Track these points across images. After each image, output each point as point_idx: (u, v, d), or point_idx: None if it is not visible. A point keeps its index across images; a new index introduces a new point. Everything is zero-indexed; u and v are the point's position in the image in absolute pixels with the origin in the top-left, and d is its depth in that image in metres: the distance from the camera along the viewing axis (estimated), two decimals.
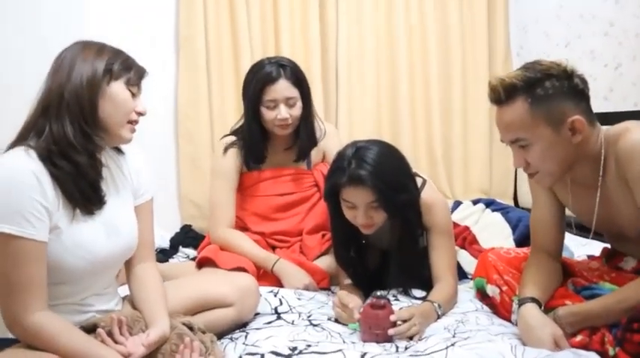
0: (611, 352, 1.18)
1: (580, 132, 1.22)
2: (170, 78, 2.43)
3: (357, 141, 1.55)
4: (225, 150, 1.92)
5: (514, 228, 2.04)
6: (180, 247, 2.31)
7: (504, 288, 1.47)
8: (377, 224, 1.52)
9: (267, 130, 1.91)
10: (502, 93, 1.22)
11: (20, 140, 1.15)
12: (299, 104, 1.87)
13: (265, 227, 1.96)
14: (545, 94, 1.20)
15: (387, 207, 1.47)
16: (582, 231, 1.90)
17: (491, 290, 1.50)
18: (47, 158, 1.11)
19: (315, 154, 2.04)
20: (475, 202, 2.22)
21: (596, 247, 1.63)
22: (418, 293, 1.61)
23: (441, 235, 1.60)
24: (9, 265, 1.06)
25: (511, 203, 2.82)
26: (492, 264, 1.52)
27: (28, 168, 1.08)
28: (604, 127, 1.30)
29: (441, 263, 1.58)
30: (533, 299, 1.30)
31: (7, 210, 1.05)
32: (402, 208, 1.51)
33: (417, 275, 1.64)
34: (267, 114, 1.85)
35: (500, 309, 1.47)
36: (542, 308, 1.30)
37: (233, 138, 1.96)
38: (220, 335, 1.38)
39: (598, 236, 1.47)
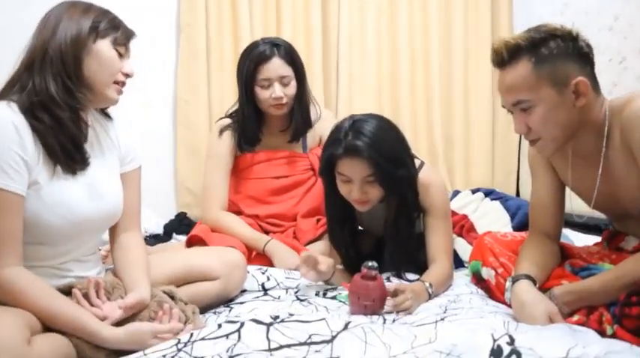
0: (609, 331, 1.13)
1: (584, 96, 1.18)
2: (170, 64, 2.43)
3: (355, 114, 1.52)
4: (220, 132, 1.91)
5: (513, 216, 2.00)
6: (174, 234, 2.28)
7: (500, 271, 1.42)
8: (372, 201, 1.48)
9: (262, 111, 1.90)
10: (505, 54, 1.19)
11: (3, 95, 1.13)
12: (293, 83, 1.86)
13: (259, 210, 1.93)
14: (549, 54, 1.17)
15: (383, 181, 1.43)
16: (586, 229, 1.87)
17: (487, 272, 1.46)
18: (28, 110, 1.10)
19: (311, 138, 2.01)
20: (474, 191, 2.18)
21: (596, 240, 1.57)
22: (412, 276, 1.57)
23: (437, 217, 1.56)
24: None
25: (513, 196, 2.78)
26: (488, 247, 1.48)
27: (7, 119, 1.07)
28: (608, 98, 1.26)
29: (436, 244, 1.54)
30: (528, 276, 1.25)
31: None
32: (399, 184, 1.47)
33: (413, 260, 1.60)
34: (262, 94, 1.83)
35: (495, 292, 1.43)
36: (537, 286, 1.25)
37: (228, 120, 1.94)
38: (205, 309, 1.36)
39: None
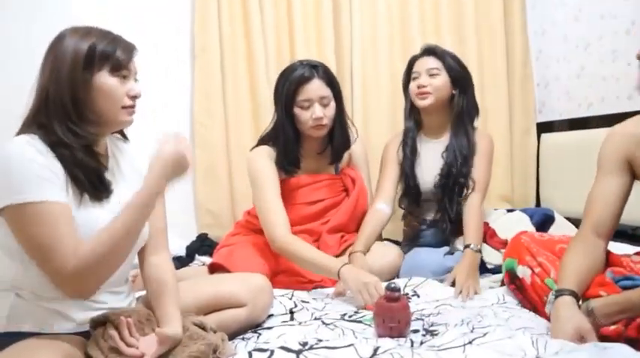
0: None
1: None
2: (186, 87, 2.46)
3: None
4: (263, 157, 1.87)
5: (531, 217, 2.03)
6: (197, 255, 2.30)
7: (537, 270, 1.42)
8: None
9: (301, 133, 1.89)
10: None
11: (22, 132, 1.15)
12: (332, 104, 1.86)
13: (294, 229, 1.88)
14: None
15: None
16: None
17: (522, 271, 1.46)
18: (50, 146, 1.11)
19: (343, 158, 2.02)
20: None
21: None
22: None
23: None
24: (43, 230, 1.06)
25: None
26: (525, 246, 1.48)
27: (35, 148, 1.09)
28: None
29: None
30: (572, 293, 1.23)
31: (23, 180, 1.06)
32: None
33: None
34: (302, 115, 1.83)
35: (529, 291, 1.43)
36: (580, 299, 1.24)
37: (265, 146, 1.91)
38: (233, 336, 1.36)
39: None
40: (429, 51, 2.02)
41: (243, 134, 2.44)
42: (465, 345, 1.14)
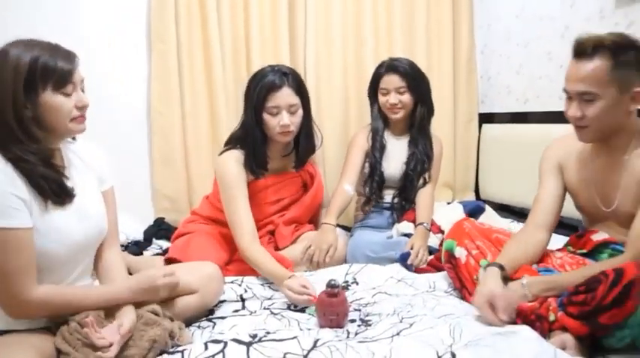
0: (551, 317, 1.32)
1: (638, 103, 1.37)
2: (143, 78, 2.49)
3: None
4: (233, 163, 1.92)
5: (464, 206, 2.33)
6: (154, 239, 2.40)
7: (474, 252, 1.61)
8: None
9: (267, 137, 1.96)
10: (589, 48, 1.34)
11: None
12: (300, 112, 1.94)
13: (260, 225, 2.01)
14: (627, 62, 1.33)
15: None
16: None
17: (459, 251, 1.64)
18: (11, 161, 1.18)
19: None
20: None
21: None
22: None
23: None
24: (4, 254, 1.14)
25: (473, 195, 2.96)
26: (466, 231, 1.67)
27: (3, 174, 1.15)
28: None
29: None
30: (500, 266, 1.44)
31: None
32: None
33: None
34: (270, 121, 1.89)
35: (461, 269, 1.62)
36: (506, 274, 1.44)
37: (236, 150, 1.95)
38: (188, 322, 1.48)
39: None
40: (394, 69, 2.22)
41: (200, 121, 2.51)
42: (392, 337, 1.31)
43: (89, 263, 1.40)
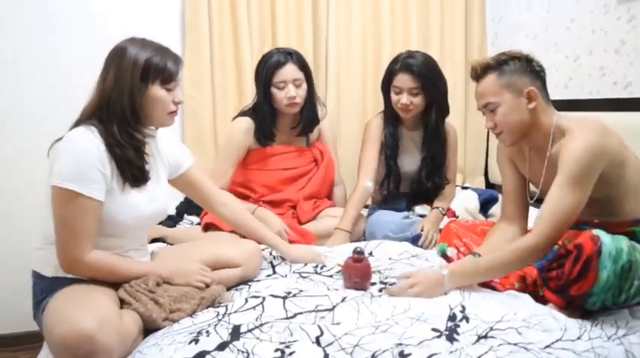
0: (541, 292, 1.51)
1: (534, 101, 1.56)
2: None
3: None
4: (241, 130, 2.20)
5: (480, 195, 2.43)
6: (185, 215, 2.59)
7: (462, 249, 1.79)
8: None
9: (276, 110, 2.21)
10: (479, 70, 1.61)
11: (81, 122, 1.42)
12: (304, 85, 2.19)
13: (274, 196, 2.27)
14: (510, 70, 1.57)
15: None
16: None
17: (451, 251, 1.82)
18: (106, 143, 1.38)
19: (312, 133, 2.35)
20: None
21: None
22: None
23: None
24: (73, 216, 1.34)
25: (482, 179, 3.13)
26: (454, 232, 1.86)
27: (93, 143, 1.36)
28: (562, 113, 1.63)
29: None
30: (477, 254, 1.61)
31: (76, 173, 1.33)
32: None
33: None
34: (278, 94, 2.16)
35: None
36: None
37: (247, 118, 2.22)
38: (228, 289, 1.63)
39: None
40: (409, 68, 2.18)
41: (228, 106, 2.69)
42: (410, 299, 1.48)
43: (146, 236, 1.64)
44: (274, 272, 1.78)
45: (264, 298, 1.48)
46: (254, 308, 1.42)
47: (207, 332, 1.28)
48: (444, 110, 2.30)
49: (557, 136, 1.57)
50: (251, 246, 1.75)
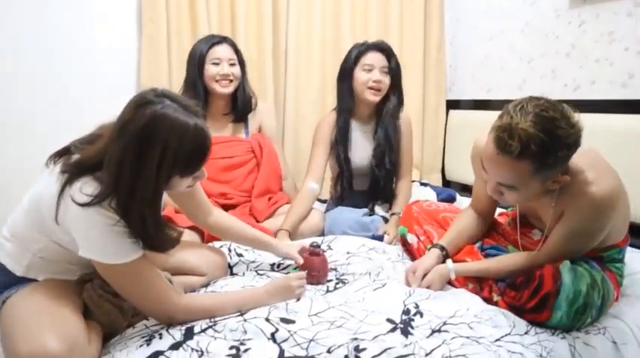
0: (495, 298, 1.51)
1: (558, 184, 1.35)
2: (133, 56, 2.59)
3: None
4: None
5: (438, 194, 2.48)
6: None
7: (422, 238, 1.78)
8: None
9: (209, 94, 2.23)
10: (516, 149, 1.23)
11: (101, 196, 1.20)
12: (237, 67, 2.24)
13: (211, 187, 2.19)
14: (553, 163, 1.27)
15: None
16: None
17: (411, 238, 1.82)
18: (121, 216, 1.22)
19: (252, 126, 2.36)
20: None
21: None
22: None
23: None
24: (151, 280, 1.28)
25: (439, 176, 3.19)
26: (415, 217, 1.83)
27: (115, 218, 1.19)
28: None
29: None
30: (441, 247, 1.63)
31: (123, 244, 1.22)
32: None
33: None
34: (211, 70, 2.20)
35: (415, 254, 1.80)
36: (450, 253, 1.63)
37: None
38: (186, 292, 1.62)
39: None
40: (380, 47, 2.18)
41: None
42: (365, 293, 1.49)
43: None
44: (231, 273, 1.75)
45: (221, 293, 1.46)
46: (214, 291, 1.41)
47: (160, 334, 1.26)
48: (401, 98, 2.28)
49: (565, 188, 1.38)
50: (218, 258, 1.71)
